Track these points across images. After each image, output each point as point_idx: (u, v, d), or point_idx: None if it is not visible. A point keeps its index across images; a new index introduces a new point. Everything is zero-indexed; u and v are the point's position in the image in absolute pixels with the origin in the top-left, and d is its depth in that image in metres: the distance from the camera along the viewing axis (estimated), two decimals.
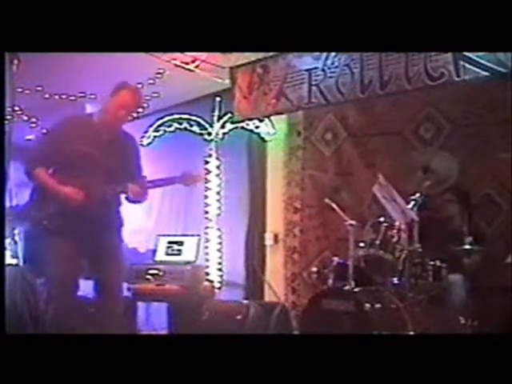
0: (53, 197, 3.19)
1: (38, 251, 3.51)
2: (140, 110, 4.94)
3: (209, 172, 5.00)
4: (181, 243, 5.15)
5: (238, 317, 4.25)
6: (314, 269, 4.13)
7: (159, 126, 5.48)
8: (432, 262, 3.48)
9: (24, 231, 5.19)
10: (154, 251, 5.22)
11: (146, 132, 5.48)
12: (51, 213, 3.20)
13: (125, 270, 3.65)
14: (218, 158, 5.32)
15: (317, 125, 5.01)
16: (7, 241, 4.88)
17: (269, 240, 5.20)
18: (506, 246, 3.72)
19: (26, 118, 5.15)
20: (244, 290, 5.22)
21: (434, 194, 3.72)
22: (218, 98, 5.30)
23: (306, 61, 4.35)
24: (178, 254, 5.11)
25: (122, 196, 3.37)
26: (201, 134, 5.36)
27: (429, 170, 3.63)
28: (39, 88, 4.78)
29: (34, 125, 5.26)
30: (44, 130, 5.10)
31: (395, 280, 3.53)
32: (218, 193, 5.34)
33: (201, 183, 4.50)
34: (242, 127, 5.17)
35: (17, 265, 4.99)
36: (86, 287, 3.40)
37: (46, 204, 3.22)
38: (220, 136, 5.33)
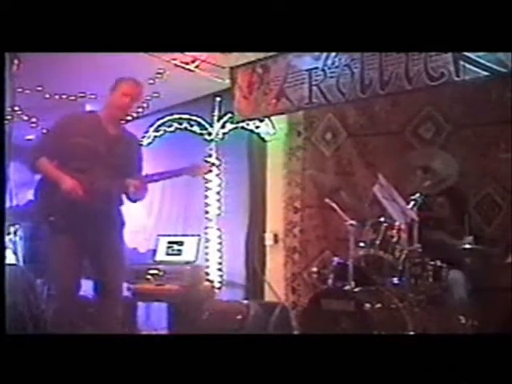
0: (58, 192, 3.17)
1: (39, 251, 3.51)
2: (140, 109, 4.96)
3: (213, 164, 5.04)
4: (181, 243, 5.16)
5: (238, 317, 4.25)
6: (314, 269, 4.13)
7: (159, 125, 5.49)
8: (432, 262, 3.48)
9: (25, 231, 5.19)
10: (154, 251, 5.23)
11: (146, 132, 5.49)
12: (57, 208, 3.17)
13: (125, 270, 3.65)
14: (218, 158, 5.32)
15: (317, 125, 5.01)
16: (7, 238, 4.88)
17: (269, 240, 5.20)
18: (506, 245, 3.73)
19: (26, 118, 5.15)
20: (244, 290, 5.21)
21: (434, 193, 3.72)
22: (218, 98, 5.30)
23: (306, 61, 4.35)
24: (178, 254, 5.11)
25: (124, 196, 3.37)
26: (201, 134, 5.36)
27: (429, 169, 3.63)
28: (39, 88, 4.78)
29: (34, 125, 5.26)
30: (44, 131, 5.11)
31: (395, 280, 3.52)
32: (218, 193, 5.35)
33: (203, 177, 4.51)
34: (242, 127, 5.17)
35: (17, 264, 4.99)
36: (86, 287, 3.40)
37: (51, 199, 3.19)
38: (220, 136, 5.34)
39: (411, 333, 3.28)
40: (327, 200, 3.89)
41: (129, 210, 3.48)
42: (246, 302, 4.54)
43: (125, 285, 3.88)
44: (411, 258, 3.45)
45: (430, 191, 3.66)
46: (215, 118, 5.33)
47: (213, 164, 4.93)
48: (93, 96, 5.04)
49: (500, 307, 3.50)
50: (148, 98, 4.96)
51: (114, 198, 3.31)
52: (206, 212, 5.34)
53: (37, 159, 3.23)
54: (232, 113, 4.99)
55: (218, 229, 5.30)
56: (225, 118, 5.25)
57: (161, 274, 4.86)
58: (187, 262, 4.99)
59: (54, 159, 3.25)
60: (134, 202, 3.37)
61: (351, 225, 3.70)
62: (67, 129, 3.27)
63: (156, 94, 4.98)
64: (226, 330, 4.13)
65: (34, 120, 5.23)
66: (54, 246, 3.22)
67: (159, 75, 4.78)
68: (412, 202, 3.58)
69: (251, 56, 4.66)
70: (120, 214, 3.41)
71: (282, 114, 4.86)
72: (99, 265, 3.28)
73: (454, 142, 4.18)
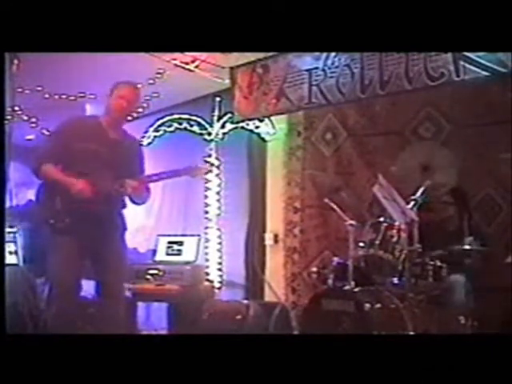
0: (60, 194, 3.18)
1: (39, 251, 3.51)
2: (140, 109, 4.96)
3: (212, 165, 5.06)
4: (181, 243, 5.16)
5: (238, 317, 4.25)
6: (314, 269, 4.12)
7: (159, 126, 5.49)
8: (432, 262, 3.48)
9: (25, 231, 5.20)
10: (154, 251, 5.23)
11: (146, 132, 5.50)
12: (58, 211, 3.19)
13: (127, 272, 3.66)
14: (217, 158, 5.33)
15: (317, 125, 5.01)
16: (7, 237, 4.88)
17: (269, 240, 5.20)
18: (506, 246, 3.72)
19: (26, 118, 5.16)
20: (244, 289, 5.21)
21: (433, 193, 3.72)
22: (217, 98, 5.30)
23: (306, 61, 4.35)
24: (178, 254, 5.11)
25: (126, 198, 3.38)
26: (201, 134, 5.36)
27: (429, 168, 3.63)
28: (39, 88, 4.79)
29: (33, 125, 5.27)
30: (44, 130, 5.12)
31: (395, 280, 3.52)
32: (218, 193, 5.35)
33: (203, 177, 4.53)
34: (242, 127, 5.17)
35: (17, 264, 4.99)
36: (86, 287, 3.40)
37: (53, 202, 3.21)
38: (220, 136, 5.34)
39: (411, 333, 3.28)
40: (327, 200, 3.89)
41: (129, 209, 3.48)
42: (245, 302, 4.54)
43: (125, 285, 3.88)
44: (411, 258, 3.45)
45: (431, 191, 3.65)
46: (215, 118, 5.33)
47: (212, 164, 4.93)
48: (92, 96, 5.05)
49: (500, 307, 3.50)
50: (148, 98, 4.97)
51: (116, 200, 3.33)
52: (206, 212, 5.34)
53: (41, 165, 3.24)
54: (232, 113, 4.99)
55: (218, 229, 5.30)
56: (225, 118, 5.25)
57: (161, 274, 4.85)
58: (187, 262, 4.99)
59: (58, 164, 3.27)
60: (137, 204, 3.38)
61: (351, 225, 3.71)
62: (70, 134, 3.30)
63: (156, 94, 4.98)
64: (225, 330, 4.13)
65: (33, 120, 5.24)
66: (55, 246, 3.23)
67: (159, 75, 4.79)
68: (412, 202, 3.58)
69: (251, 56, 4.66)
70: (122, 217, 3.43)
71: (281, 113, 4.86)
72: (100, 266, 3.29)
73: (453, 142, 4.18)
